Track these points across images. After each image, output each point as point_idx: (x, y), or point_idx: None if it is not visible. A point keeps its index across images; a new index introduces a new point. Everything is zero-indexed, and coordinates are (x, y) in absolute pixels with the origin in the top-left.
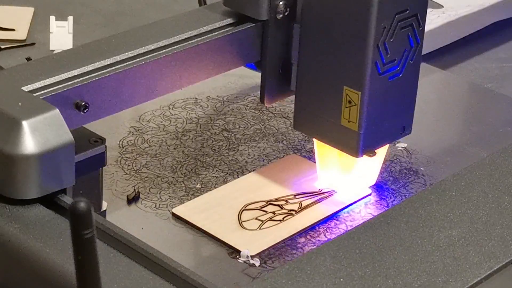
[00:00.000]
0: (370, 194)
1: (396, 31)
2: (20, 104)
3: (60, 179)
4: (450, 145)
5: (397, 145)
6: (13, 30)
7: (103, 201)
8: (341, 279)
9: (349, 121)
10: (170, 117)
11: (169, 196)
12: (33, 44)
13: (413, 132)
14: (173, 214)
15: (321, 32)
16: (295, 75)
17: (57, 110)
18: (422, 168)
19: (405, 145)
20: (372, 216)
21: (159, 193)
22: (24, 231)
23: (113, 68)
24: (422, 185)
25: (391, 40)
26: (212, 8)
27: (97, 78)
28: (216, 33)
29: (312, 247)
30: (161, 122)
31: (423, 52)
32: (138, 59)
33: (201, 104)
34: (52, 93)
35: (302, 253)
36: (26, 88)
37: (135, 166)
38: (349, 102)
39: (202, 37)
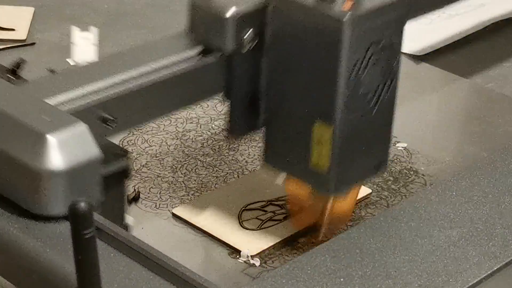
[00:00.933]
0: (370, 194)
1: (370, 63)
2: (45, 118)
3: (87, 195)
4: (450, 145)
5: (397, 145)
6: (13, 30)
7: (128, 216)
8: (341, 279)
9: (320, 159)
10: (170, 117)
11: (169, 196)
12: (33, 44)
13: (413, 132)
14: (173, 214)
15: (290, 64)
16: (264, 109)
17: (84, 124)
18: (422, 168)
19: (405, 145)
20: (372, 216)
21: (159, 193)
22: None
23: (139, 81)
24: (422, 185)
25: (364, 73)
26: (177, 37)
27: (122, 91)
28: (180, 65)
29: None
30: (161, 122)
31: (425, 52)
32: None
33: (201, 104)
34: (77, 107)
35: (302, 253)
36: (51, 101)
37: (135, 166)
38: (320, 139)
39: (166, 69)
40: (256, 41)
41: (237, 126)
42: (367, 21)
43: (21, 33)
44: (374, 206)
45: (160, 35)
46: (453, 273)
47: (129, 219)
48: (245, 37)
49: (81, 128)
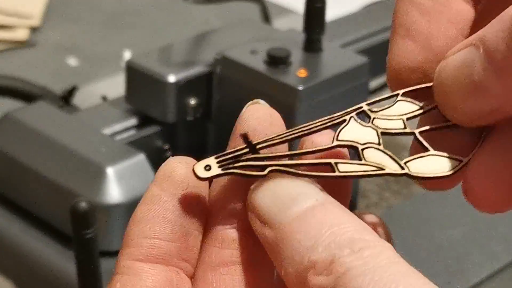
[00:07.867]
0: None
1: None
2: (103, 149)
3: None
4: None
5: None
6: (13, 27)
7: None
8: None
9: None
10: None
11: None
12: (33, 44)
13: None
14: None
15: None
16: None
17: (143, 155)
18: None
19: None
20: None
21: None
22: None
23: None
24: None
25: None
26: (115, 104)
27: None
28: (117, 137)
29: None
30: None
31: None
32: None
33: None
34: (134, 137)
35: None
36: (106, 131)
37: None
38: None
39: None
40: (202, 109)
41: None
42: (325, 90)
43: (21, 34)
44: (374, 207)
45: (162, 35)
46: (455, 273)
47: None
48: (188, 104)
49: (140, 159)
